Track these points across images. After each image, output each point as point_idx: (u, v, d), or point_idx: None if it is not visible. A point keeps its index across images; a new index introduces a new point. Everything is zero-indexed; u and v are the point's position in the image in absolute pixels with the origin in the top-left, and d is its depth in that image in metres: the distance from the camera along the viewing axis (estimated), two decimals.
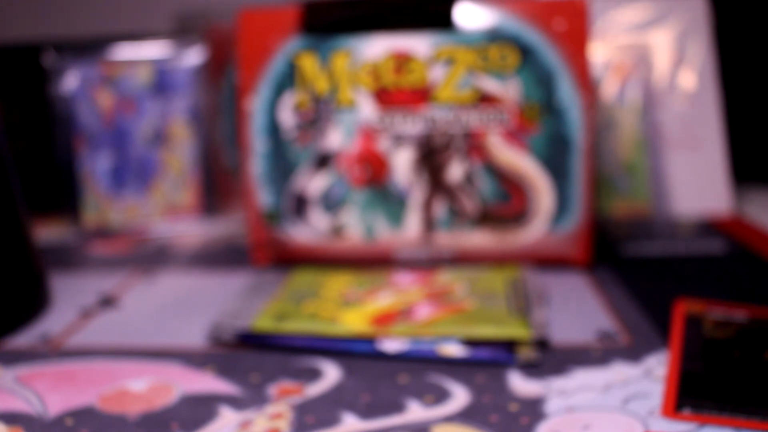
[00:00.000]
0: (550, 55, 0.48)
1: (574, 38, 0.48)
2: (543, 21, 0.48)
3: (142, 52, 0.64)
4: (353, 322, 0.41)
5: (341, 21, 0.50)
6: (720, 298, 0.44)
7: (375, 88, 0.50)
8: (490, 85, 0.49)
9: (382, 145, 0.50)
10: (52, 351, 0.41)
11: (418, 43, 0.49)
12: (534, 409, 0.33)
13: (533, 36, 0.48)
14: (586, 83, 0.48)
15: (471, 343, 0.38)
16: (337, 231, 0.52)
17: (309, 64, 0.50)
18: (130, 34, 0.71)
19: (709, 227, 0.60)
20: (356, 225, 0.51)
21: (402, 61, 0.49)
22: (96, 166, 0.64)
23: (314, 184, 0.51)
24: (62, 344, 0.42)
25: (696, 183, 0.64)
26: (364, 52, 0.50)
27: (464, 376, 0.36)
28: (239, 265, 0.55)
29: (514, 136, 0.49)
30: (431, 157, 0.50)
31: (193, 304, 0.47)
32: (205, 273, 0.53)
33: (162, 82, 0.64)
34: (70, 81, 0.64)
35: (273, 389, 0.36)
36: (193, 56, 0.65)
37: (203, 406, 0.34)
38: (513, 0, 0.48)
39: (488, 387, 0.35)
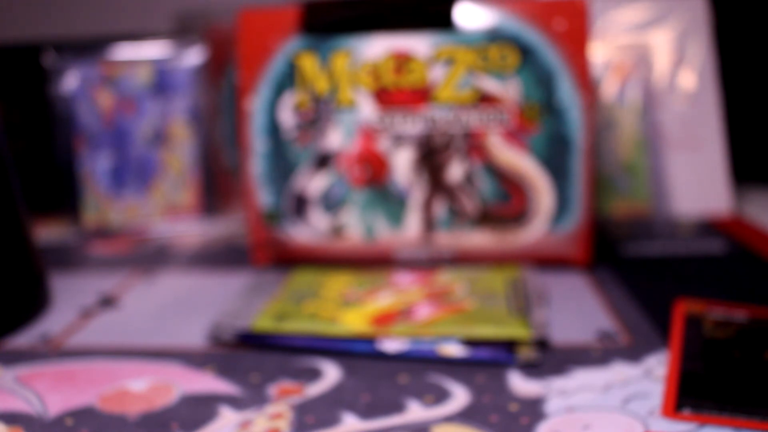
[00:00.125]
0: (550, 55, 0.48)
1: (574, 38, 0.48)
2: (543, 21, 0.48)
3: (142, 52, 0.64)
4: (353, 322, 0.41)
5: (341, 21, 0.50)
6: (720, 298, 0.44)
7: (375, 88, 0.50)
8: (490, 85, 0.49)
9: (382, 145, 0.50)
10: (52, 351, 0.41)
11: (418, 43, 0.49)
12: (534, 409, 0.33)
13: (533, 36, 0.48)
14: (586, 83, 0.48)
15: (471, 343, 0.38)
16: (337, 231, 0.52)
17: (309, 64, 0.50)
18: (130, 34, 0.71)
19: (709, 227, 0.60)
20: (356, 225, 0.51)
21: (402, 61, 0.49)
22: (96, 166, 0.64)
23: (314, 184, 0.51)
24: (62, 344, 0.42)
25: (696, 183, 0.64)
26: (364, 52, 0.50)
27: (464, 376, 0.36)
28: (239, 265, 0.55)
29: (514, 136, 0.49)
30: (431, 157, 0.50)
31: (193, 304, 0.47)
32: (205, 273, 0.53)
33: (162, 82, 0.64)
34: (70, 81, 0.64)
35: (273, 389, 0.36)
36: (193, 56, 0.65)
37: (203, 406, 0.34)
38: (513, 0, 0.48)
39: (488, 387, 0.35)
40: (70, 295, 0.50)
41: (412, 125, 0.50)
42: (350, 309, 0.42)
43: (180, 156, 0.65)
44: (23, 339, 0.43)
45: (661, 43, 0.65)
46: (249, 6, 0.51)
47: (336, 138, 0.50)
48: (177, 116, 0.65)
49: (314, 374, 0.37)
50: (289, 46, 0.50)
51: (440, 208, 0.51)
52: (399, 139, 0.50)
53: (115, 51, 0.64)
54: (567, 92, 0.48)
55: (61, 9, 0.88)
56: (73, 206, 0.64)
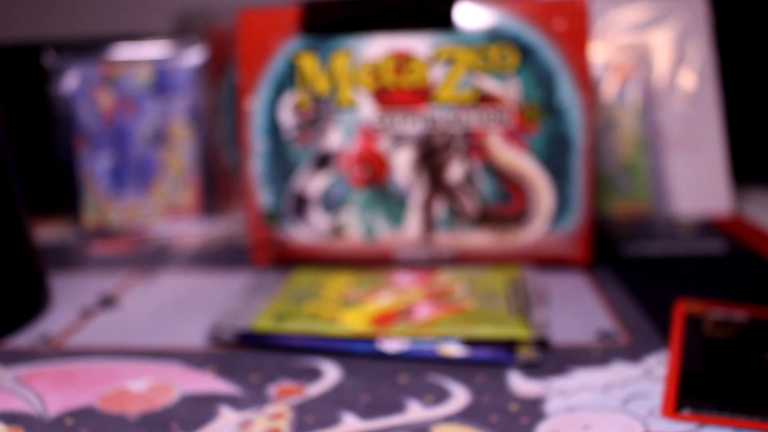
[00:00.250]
0: (550, 55, 0.48)
1: (574, 38, 0.48)
2: (543, 21, 0.48)
3: (142, 52, 0.64)
4: (353, 322, 0.41)
5: (341, 21, 0.50)
6: (720, 298, 0.44)
7: (375, 88, 0.50)
8: (490, 85, 0.49)
9: (382, 145, 0.50)
10: (52, 351, 0.41)
11: (418, 43, 0.49)
12: (534, 409, 0.33)
13: (533, 36, 0.48)
14: (586, 83, 0.48)
15: (471, 343, 0.38)
16: (337, 231, 0.52)
17: (309, 64, 0.50)
18: (130, 34, 0.71)
19: (709, 227, 0.60)
20: (356, 225, 0.51)
21: (402, 61, 0.49)
22: (96, 166, 0.64)
23: (314, 184, 0.51)
24: (62, 344, 0.42)
25: (696, 183, 0.64)
26: (364, 52, 0.50)
27: (464, 376, 0.36)
28: (239, 265, 0.55)
29: (514, 136, 0.49)
30: (431, 157, 0.50)
31: (193, 304, 0.47)
32: (205, 273, 0.53)
33: (162, 82, 0.64)
34: (70, 81, 0.64)
35: (273, 389, 0.36)
36: (193, 56, 0.65)
37: (203, 406, 0.34)
38: (513, 0, 0.48)
39: (488, 387, 0.35)
40: (70, 295, 0.50)
41: (412, 125, 0.50)
42: (350, 309, 0.42)
43: (180, 156, 0.65)
44: (23, 339, 0.43)
45: (661, 43, 0.65)
46: (249, 6, 0.51)
47: (336, 138, 0.50)
48: (177, 116, 0.65)
49: (314, 374, 0.37)
50: (289, 46, 0.50)
51: (440, 208, 0.51)
52: (399, 139, 0.50)
53: (115, 51, 0.64)
54: (567, 92, 0.48)
55: (61, 9, 0.88)
56: (73, 206, 0.64)
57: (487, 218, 0.50)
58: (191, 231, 0.64)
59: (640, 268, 0.51)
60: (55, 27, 0.87)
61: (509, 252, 0.51)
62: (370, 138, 0.50)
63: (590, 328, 0.41)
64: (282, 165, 0.51)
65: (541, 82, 0.48)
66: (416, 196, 0.51)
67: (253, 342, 0.40)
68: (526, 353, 0.37)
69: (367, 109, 0.50)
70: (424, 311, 0.42)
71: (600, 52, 0.65)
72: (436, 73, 0.49)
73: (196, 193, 0.66)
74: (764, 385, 0.33)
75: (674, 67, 0.65)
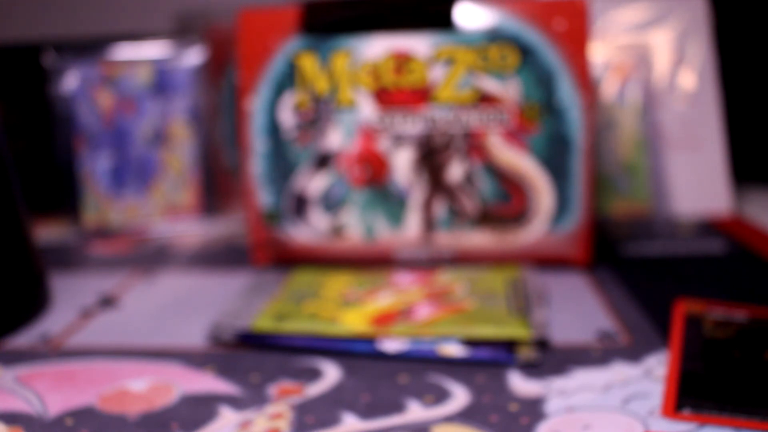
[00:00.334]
0: (550, 55, 0.48)
1: (574, 38, 0.48)
2: (543, 21, 0.48)
3: (142, 52, 0.64)
4: (353, 322, 0.41)
5: (341, 21, 0.50)
6: (720, 298, 0.44)
7: (375, 88, 0.50)
8: (490, 85, 0.49)
9: (382, 145, 0.50)
10: (52, 351, 0.41)
11: (418, 43, 0.49)
12: (534, 409, 0.33)
13: (533, 36, 0.48)
14: (586, 83, 0.48)
15: (471, 343, 0.38)
16: (337, 231, 0.52)
17: (309, 64, 0.50)
18: (130, 34, 0.71)
19: (709, 227, 0.60)
20: (356, 225, 0.51)
21: (402, 61, 0.49)
22: (96, 166, 0.64)
23: (314, 184, 0.51)
24: (62, 344, 0.42)
25: (696, 183, 0.64)
26: (364, 52, 0.50)
27: (464, 376, 0.36)
28: (239, 265, 0.55)
29: (514, 136, 0.49)
30: (431, 157, 0.50)
31: (193, 304, 0.47)
32: (205, 273, 0.53)
33: (162, 82, 0.64)
34: (70, 81, 0.64)
35: (273, 389, 0.36)
36: (193, 56, 0.65)
37: (203, 406, 0.34)
38: (513, 0, 0.48)
39: (488, 387, 0.35)
40: (70, 295, 0.50)
41: (412, 125, 0.50)
42: (350, 309, 0.42)
43: (180, 156, 0.65)
44: (23, 339, 0.43)
45: (661, 43, 0.65)
46: (249, 6, 0.51)
47: (336, 138, 0.50)
48: (177, 116, 0.65)
49: (314, 374, 0.37)
50: (289, 46, 0.50)
51: (440, 208, 0.51)
52: (399, 139, 0.50)
53: (115, 51, 0.64)
54: (567, 92, 0.48)
55: (61, 9, 0.88)
56: (73, 206, 0.64)
57: (487, 218, 0.50)
58: (191, 231, 0.64)
59: (640, 268, 0.51)
60: (55, 27, 0.87)
61: (509, 252, 0.51)
62: (370, 138, 0.50)
63: (590, 328, 0.41)
64: (282, 165, 0.51)
65: (541, 82, 0.48)
66: (416, 196, 0.51)
67: (253, 342, 0.40)
68: (526, 353, 0.37)
69: (367, 109, 0.50)
70: (424, 311, 0.42)
71: (600, 52, 0.65)
72: (436, 73, 0.49)
73: (196, 193, 0.66)
74: (764, 385, 0.33)
75: (674, 67, 0.65)
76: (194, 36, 0.68)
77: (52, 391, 0.36)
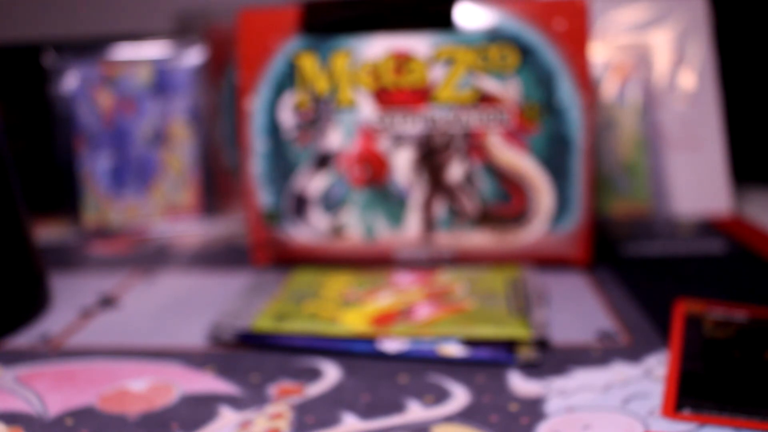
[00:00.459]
0: (550, 55, 0.48)
1: (574, 38, 0.48)
2: (543, 21, 0.48)
3: (142, 52, 0.64)
4: (353, 322, 0.41)
5: (341, 21, 0.50)
6: (720, 298, 0.44)
7: (375, 88, 0.50)
8: (490, 85, 0.49)
9: (382, 145, 0.50)
10: (52, 351, 0.41)
11: (418, 43, 0.49)
12: (534, 409, 0.33)
13: (533, 36, 0.48)
14: (586, 83, 0.48)
15: (471, 343, 0.38)
16: (337, 231, 0.52)
17: (309, 64, 0.50)
18: (130, 34, 0.71)
19: (709, 227, 0.60)
20: (356, 225, 0.51)
21: (402, 61, 0.49)
22: (96, 166, 0.64)
23: (314, 184, 0.51)
24: (62, 344, 0.42)
25: (696, 183, 0.64)
26: (364, 52, 0.50)
27: (464, 376, 0.36)
28: (239, 265, 0.55)
29: (514, 136, 0.49)
30: (431, 157, 0.50)
31: (193, 304, 0.47)
32: (205, 273, 0.53)
33: (162, 82, 0.64)
34: (70, 81, 0.64)
35: (273, 389, 0.36)
36: (193, 56, 0.65)
37: (203, 406, 0.34)
38: (513, 0, 0.48)
39: (488, 387, 0.35)
40: (70, 295, 0.50)
41: (412, 125, 0.50)
42: (350, 309, 0.42)
43: (180, 156, 0.65)
44: (23, 339, 0.43)
45: (661, 43, 0.65)
46: (249, 6, 0.51)
47: (336, 138, 0.50)
48: (177, 116, 0.65)
49: (314, 374, 0.37)
50: (289, 46, 0.50)
51: (440, 208, 0.51)
52: (399, 139, 0.50)
53: (115, 51, 0.64)
54: (567, 92, 0.48)
55: (61, 9, 0.88)
56: (73, 206, 0.64)
57: (487, 218, 0.50)
58: (191, 231, 0.64)
59: (640, 268, 0.51)
60: (55, 27, 0.87)
61: (509, 252, 0.51)
62: (370, 138, 0.50)
63: (590, 328, 0.41)
64: (282, 165, 0.51)
65: (541, 82, 0.48)
66: (416, 196, 0.51)
67: (253, 342, 0.40)
68: (526, 353, 0.37)
69: (367, 109, 0.50)
70: (424, 311, 0.42)
71: (600, 52, 0.65)
72: (436, 73, 0.49)
73: (196, 193, 0.66)
74: (764, 385, 0.33)
75: (674, 67, 0.65)
76: (194, 36, 0.68)
77: (52, 391, 0.36)
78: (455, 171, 0.50)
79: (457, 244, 0.51)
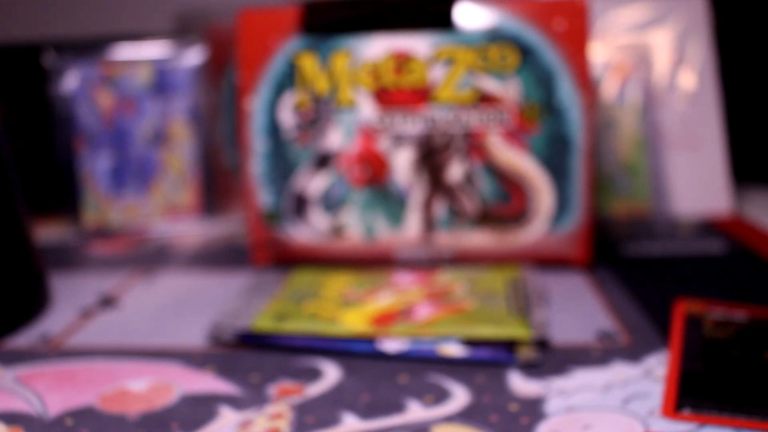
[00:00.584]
0: (550, 55, 0.48)
1: (574, 38, 0.48)
2: (543, 21, 0.48)
3: (142, 52, 0.64)
4: (353, 322, 0.41)
5: (341, 21, 0.50)
6: (720, 298, 0.44)
7: (375, 88, 0.50)
8: (490, 85, 0.49)
9: (382, 145, 0.50)
10: (52, 351, 0.41)
11: (418, 43, 0.49)
12: (534, 409, 0.33)
13: (533, 36, 0.48)
14: (586, 83, 0.48)
15: (471, 343, 0.38)
16: (337, 231, 0.52)
17: (309, 64, 0.50)
18: (130, 34, 0.71)
19: (709, 227, 0.60)
20: (356, 225, 0.51)
21: (402, 61, 0.49)
22: (96, 166, 0.64)
23: (314, 184, 0.51)
24: (62, 344, 0.42)
25: (696, 183, 0.64)
26: (364, 52, 0.50)
27: (464, 376, 0.36)
28: (239, 265, 0.55)
29: (514, 136, 0.49)
30: (431, 157, 0.50)
31: (193, 304, 0.47)
32: (205, 273, 0.53)
33: (162, 82, 0.64)
34: (70, 81, 0.64)
35: (273, 389, 0.36)
36: (193, 56, 0.65)
37: (203, 406, 0.34)
38: (513, 0, 0.48)
39: (488, 387, 0.35)
40: (70, 295, 0.50)
41: (412, 125, 0.50)
42: (350, 309, 0.42)
43: (180, 156, 0.65)
44: (23, 339, 0.43)
45: (661, 43, 0.65)
46: (249, 6, 0.51)
47: (336, 138, 0.50)
48: (177, 116, 0.65)
49: (314, 374, 0.37)
50: (289, 46, 0.50)
51: (440, 208, 0.51)
52: (399, 139, 0.50)
53: (115, 51, 0.64)
54: (567, 92, 0.48)
55: (61, 9, 0.88)
56: (73, 206, 0.64)
57: (487, 218, 0.50)
58: (191, 231, 0.64)
59: (640, 268, 0.51)
60: (55, 27, 0.87)
61: (509, 252, 0.51)
62: (370, 138, 0.50)
63: (590, 328, 0.41)
64: (282, 165, 0.51)
65: (541, 82, 0.48)
66: (416, 196, 0.51)
67: (253, 342, 0.40)
68: (526, 353, 0.37)
69: (367, 109, 0.50)
70: (424, 311, 0.42)
71: (600, 52, 0.65)
72: (436, 73, 0.49)
73: (196, 193, 0.66)
74: (764, 385, 0.33)
75: (674, 67, 0.65)
76: (194, 36, 0.68)
77: (52, 391, 0.36)
78: (455, 171, 0.50)
79: (457, 244, 0.51)
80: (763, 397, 0.32)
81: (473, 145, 0.50)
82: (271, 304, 0.44)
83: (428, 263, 0.52)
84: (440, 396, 0.35)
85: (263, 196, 0.52)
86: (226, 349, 0.41)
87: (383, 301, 0.44)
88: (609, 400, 0.34)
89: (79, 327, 0.44)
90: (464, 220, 0.51)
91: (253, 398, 0.35)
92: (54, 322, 0.45)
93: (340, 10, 0.50)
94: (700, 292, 0.45)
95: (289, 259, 0.53)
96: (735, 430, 0.30)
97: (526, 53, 0.48)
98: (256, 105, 0.51)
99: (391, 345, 0.39)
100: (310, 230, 0.52)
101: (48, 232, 0.64)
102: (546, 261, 0.51)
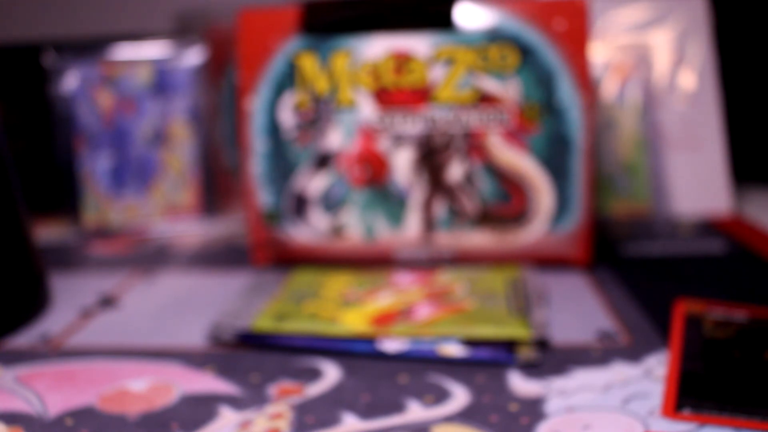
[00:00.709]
0: (550, 55, 0.48)
1: (574, 38, 0.48)
2: (543, 21, 0.48)
3: (142, 52, 0.64)
4: (353, 322, 0.41)
5: (341, 21, 0.50)
6: (720, 298, 0.44)
7: (375, 88, 0.50)
8: (490, 85, 0.49)
9: (382, 145, 0.50)
10: (52, 351, 0.41)
11: (418, 43, 0.49)
12: (534, 409, 0.33)
13: (533, 36, 0.48)
14: (586, 83, 0.48)
15: (471, 343, 0.38)
16: (337, 231, 0.52)
17: (309, 64, 0.50)
18: (130, 34, 0.71)
19: (709, 227, 0.60)
20: (356, 225, 0.51)
21: (402, 61, 0.49)
22: (96, 166, 0.64)
23: (314, 184, 0.51)
24: (62, 344, 0.42)
25: (696, 183, 0.64)
26: (364, 52, 0.50)
27: (464, 376, 0.36)
28: (239, 265, 0.55)
29: (514, 136, 0.49)
30: (431, 157, 0.50)
31: (193, 304, 0.47)
32: (205, 273, 0.53)
33: (162, 82, 0.64)
34: (70, 81, 0.64)
35: (273, 389, 0.36)
36: (193, 56, 0.65)
37: (203, 406, 0.34)
38: (513, 0, 0.48)
39: (488, 387, 0.35)
40: (70, 295, 0.50)
41: (412, 125, 0.50)
42: (350, 309, 0.42)
43: (180, 156, 0.65)
44: (23, 339, 0.43)
45: (661, 43, 0.65)
46: (249, 6, 0.51)
47: (336, 138, 0.50)
48: (177, 116, 0.65)
49: (314, 374, 0.37)
50: (289, 46, 0.50)
51: (440, 208, 0.51)
52: (399, 139, 0.50)
53: (115, 51, 0.64)
54: (567, 92, 0.48)
55: (61, 9, 0.88)
56: (73, 206, 0.64)
57: (487, 218, 0.50)
58: (191, 231, 0.64)
59: (640, 268, 0.51)
60: (55, 27, 0.87)
61: (509, 252, 0.51)
62: (370, 138, 0.50)
63: (590, 328, 0.41)
64: (282, 165, 0.51)
65: (541, 82, 0.48)
66: (416, 196, 0.51)
67: (253, 342, 0.40)
68: (526, 353, 0.37)
69: (367, 109, 0.50)
70: (424, 311, 0.42)
71: (600, 52, 0.65)
72: (436, 73, 0.49)
73: (196, 193, 0.66)
74: (764, 385, 0.33)
75: (674, 67, 0.65)
76: (194, 36, 0.68)
77: (52, 391, 0.36)
78: (455, 171, 0.50)
79: (457, 244, 0.51)
80: (763, 397, 0.32)
81: (473, 145, 0.50)
82: (271, 304, 0.44)
83: (428, 263, 0.52)
84: (440, 396, 0.35)
85: (263, 196, 0.52)
86: (226, 349, 0.41)
87: (383, 301, 0.44)
88: (609, 400, 0.34)
89: (79, 327, 0.44)
90: (464, 220, 0.51)
91: (253, 398, 0.35)
92: (54, 322, 0.45)
93: (340, 10, 0.50)
94: (700, 292, 0.45)
95: (289, 259, 0.53)
96: (735, 430, 0.30)
97: (526, 53, 0.48)
98: (256, 105, 0.51)
99: (391, 345, 0.39)
100: (310, 230, 0.52)
101: (48, 232, 0.64)
102: (546, 261, 0.51)
